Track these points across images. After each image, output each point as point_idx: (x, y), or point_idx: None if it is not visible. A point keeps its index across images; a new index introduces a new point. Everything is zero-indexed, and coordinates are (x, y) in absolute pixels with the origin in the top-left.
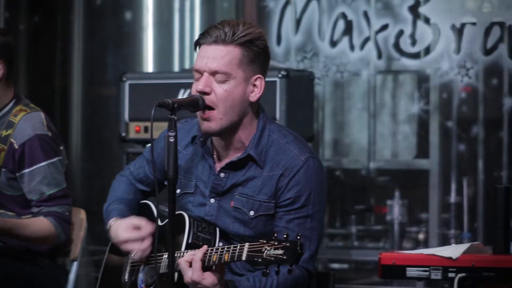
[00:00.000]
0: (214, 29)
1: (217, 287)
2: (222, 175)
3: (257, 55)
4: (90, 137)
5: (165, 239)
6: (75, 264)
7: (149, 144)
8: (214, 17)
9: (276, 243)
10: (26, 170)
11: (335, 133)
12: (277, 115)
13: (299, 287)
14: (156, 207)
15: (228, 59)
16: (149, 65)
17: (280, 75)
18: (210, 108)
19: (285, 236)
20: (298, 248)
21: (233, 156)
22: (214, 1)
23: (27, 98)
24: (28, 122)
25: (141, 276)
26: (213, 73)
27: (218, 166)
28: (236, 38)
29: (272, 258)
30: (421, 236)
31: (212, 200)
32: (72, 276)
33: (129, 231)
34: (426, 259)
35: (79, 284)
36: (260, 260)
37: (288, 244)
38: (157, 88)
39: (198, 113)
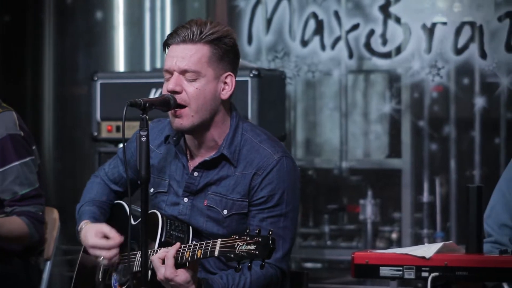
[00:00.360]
0: (182, 28)
1: (190, 284)
2: (195, 174)
3: (226, 53)
4: (62, 137)
5: (139, 238)
6: (48, 263)
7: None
8: (185, 16)
9: (248, 239)
10: None
11: (307, 133)
12: (249, 115)
13: (273, 286)
14: (129, 206)
15: (197, 57)
16: (120, 65)
17: (251, 75)
18: (182, 106)
19: (257, 231)
20: (270, 242)
21: (206, 155)
22: (184, 0)
23: None
24: (0, 122)
25: (114, 275)
26: (183, 72)
27: (192, 165)
28: (204, 36)
29: (244, 254)
30: (394, 236)
31: (186, 199)
32: (45, 275)
33: (97, 237)
34: (399, 259)
35: (52, 283)
36: (232, 255)
37: (259, 239)
38: (129, 87)
39: (170, 112)
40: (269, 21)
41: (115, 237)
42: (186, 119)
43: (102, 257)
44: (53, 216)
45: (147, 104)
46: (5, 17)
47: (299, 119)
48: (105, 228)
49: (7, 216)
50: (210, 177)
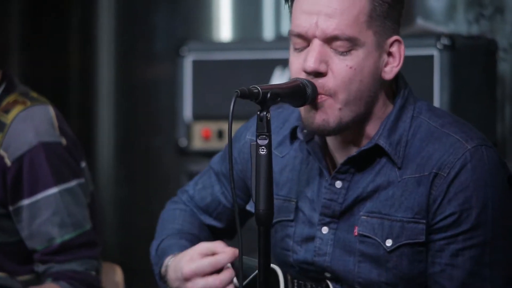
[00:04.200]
0: None
1: None
2: (338, 184)
3: (394, 3)
4: (127, 147)
5: None
6: None
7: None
8: None
9: None
10: (26, 202)
11: None
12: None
13: None
14: (239, 255)
15: (353, 15)
16: (224, 30)
17: (439, 46)
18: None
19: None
20: None
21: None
22: None
23: (24, 84)
24: (28, 123)
25: None
26: (330, 40)
27: (332, 171)
28: None
29: None
30: None
31: (325, 230)
32: None
33: (197, 260)
34: None
35: None
36: None
37: None
38: (238, 66)
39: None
40: None
41: (224, 252)
42: (331, 114)
43: None
44: (114, 278)
45: (268, 95)
46: None
47: None
48: (206, 245)
49: (36, 280)
50: (361, 187)
